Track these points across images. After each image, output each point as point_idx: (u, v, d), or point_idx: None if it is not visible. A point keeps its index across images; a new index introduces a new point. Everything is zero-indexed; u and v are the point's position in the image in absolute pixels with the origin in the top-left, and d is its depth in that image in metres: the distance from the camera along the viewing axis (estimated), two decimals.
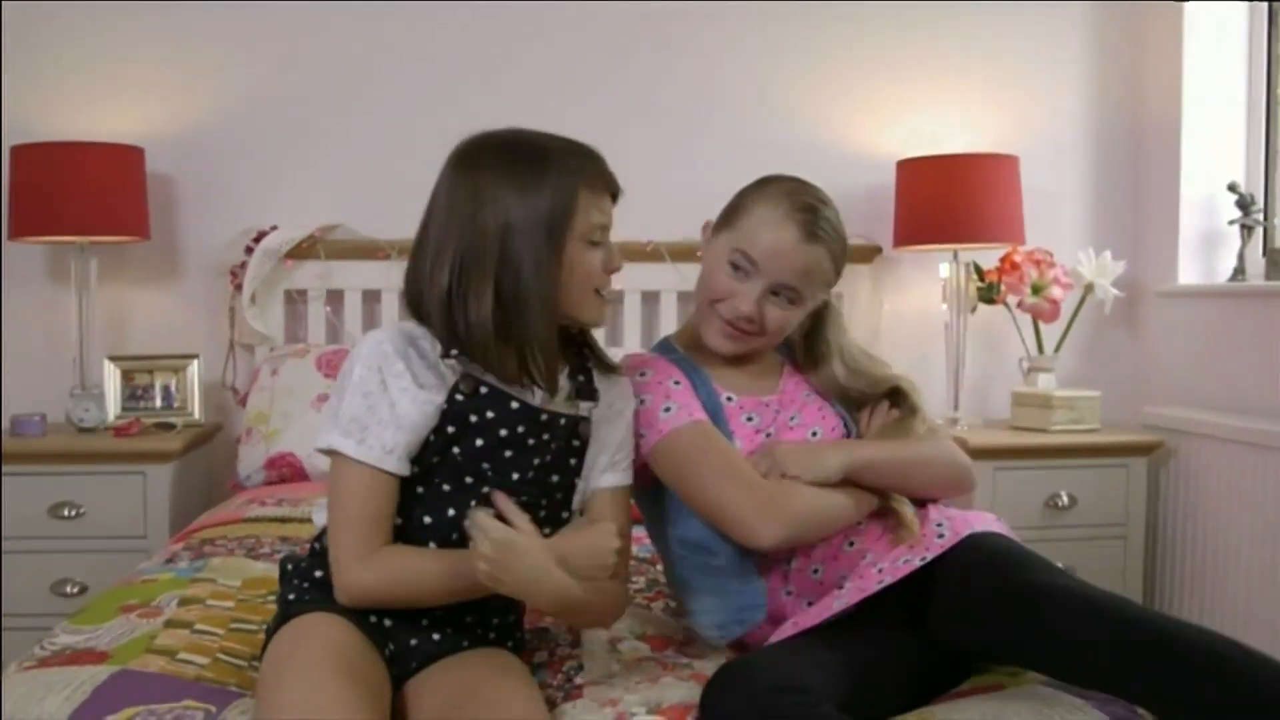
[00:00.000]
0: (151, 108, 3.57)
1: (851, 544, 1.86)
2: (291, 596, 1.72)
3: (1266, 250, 3.51)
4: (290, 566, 1.78)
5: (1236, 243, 3.56)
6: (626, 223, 3.47)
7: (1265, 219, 3.55)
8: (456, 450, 1.68)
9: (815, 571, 1.87)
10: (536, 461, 1.72)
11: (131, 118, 3.54)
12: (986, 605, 1.68)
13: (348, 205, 3.61)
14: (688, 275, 3.62)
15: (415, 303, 1.70)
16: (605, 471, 1.83)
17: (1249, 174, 3.62)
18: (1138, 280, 3.81)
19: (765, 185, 1.96)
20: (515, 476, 1.71)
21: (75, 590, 3.12)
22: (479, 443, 1.68)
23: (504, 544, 1.52)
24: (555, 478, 1.76)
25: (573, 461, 1.78)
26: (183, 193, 3.61)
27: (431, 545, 1.68)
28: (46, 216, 3.25)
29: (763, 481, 1.81)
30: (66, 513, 3.12)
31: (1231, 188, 3.53)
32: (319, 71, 3.62)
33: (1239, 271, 3.54)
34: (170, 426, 3.37)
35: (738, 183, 3.64)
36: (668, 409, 1.88)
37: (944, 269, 3.61)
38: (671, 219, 3.60)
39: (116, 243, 3.45)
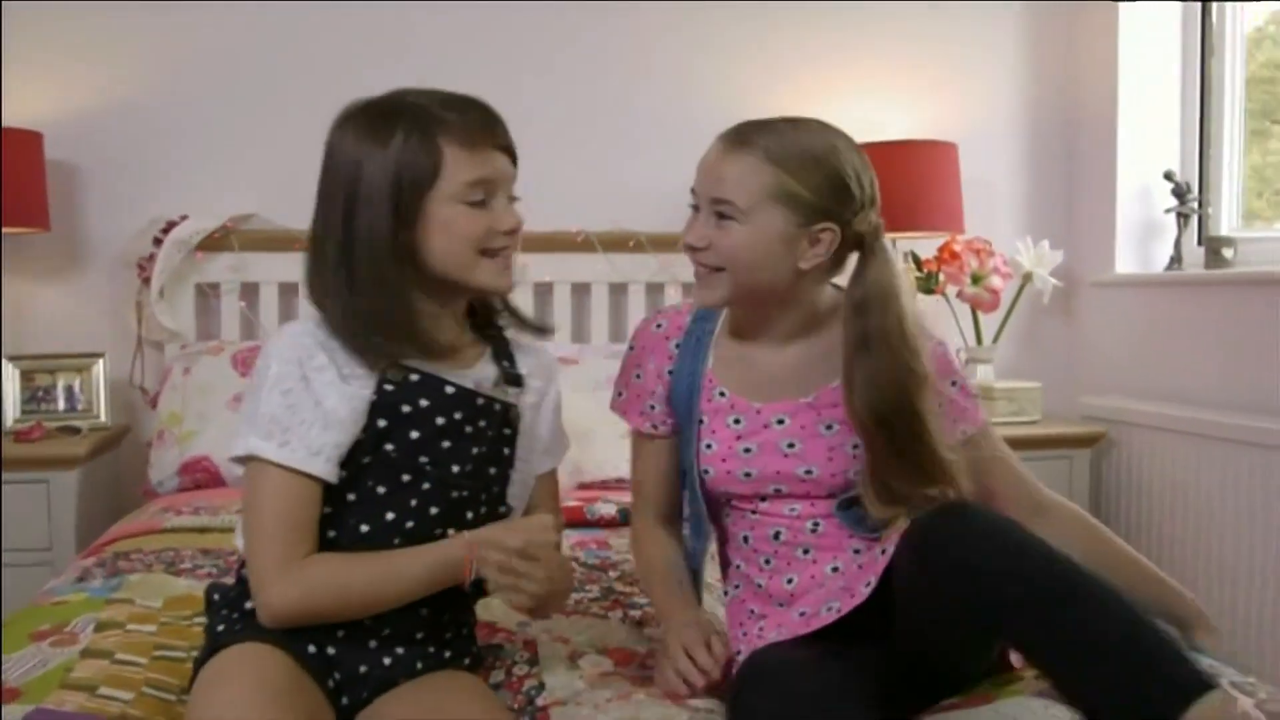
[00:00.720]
0: (51, 90, 3.35)
1: (857, 551, 1.76)
2: (220, 628, 1.57)
3: (1203, 239, 3.48)
4: (217, 596, 1.62)
5: (1173, 231, 3.53)
6: (556, 212, 3.49)
7: (1200, 207, 3.53)
8: (390, 447, 1.56)
9: (789, 581, 1.76)
10: (475, 451, 1.62)
11: (29, 100, 3.31)
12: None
13: (262, 194, 3.42)
14: (619, 265, 3.53)
15: (310, 290, 1.59)
16: (541, 456, 1.77)
17: (1184, 162, 3.59)
18: (1074, 270, 3.78)
19: None
20: (455, 469, 1.60)
21: None
22: (414, 435, 1.57)
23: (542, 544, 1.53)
24: (492, 469, 1.66)
25: (505, 451, 1.68)
26: (86, 181, 3.39)
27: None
28: None
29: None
30: None
31: (1167, 176, 3.50)
32: (233, 53, 3.43)
33: (1175, 260, 3.51)
34: (75, 430, 3.17)
35: (671, 171, 3.58)
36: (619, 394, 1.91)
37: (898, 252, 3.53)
38: (603, 208, 3.54)
39: (14, 234, 3.22)
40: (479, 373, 1.65)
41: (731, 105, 3.62)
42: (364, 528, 1.55)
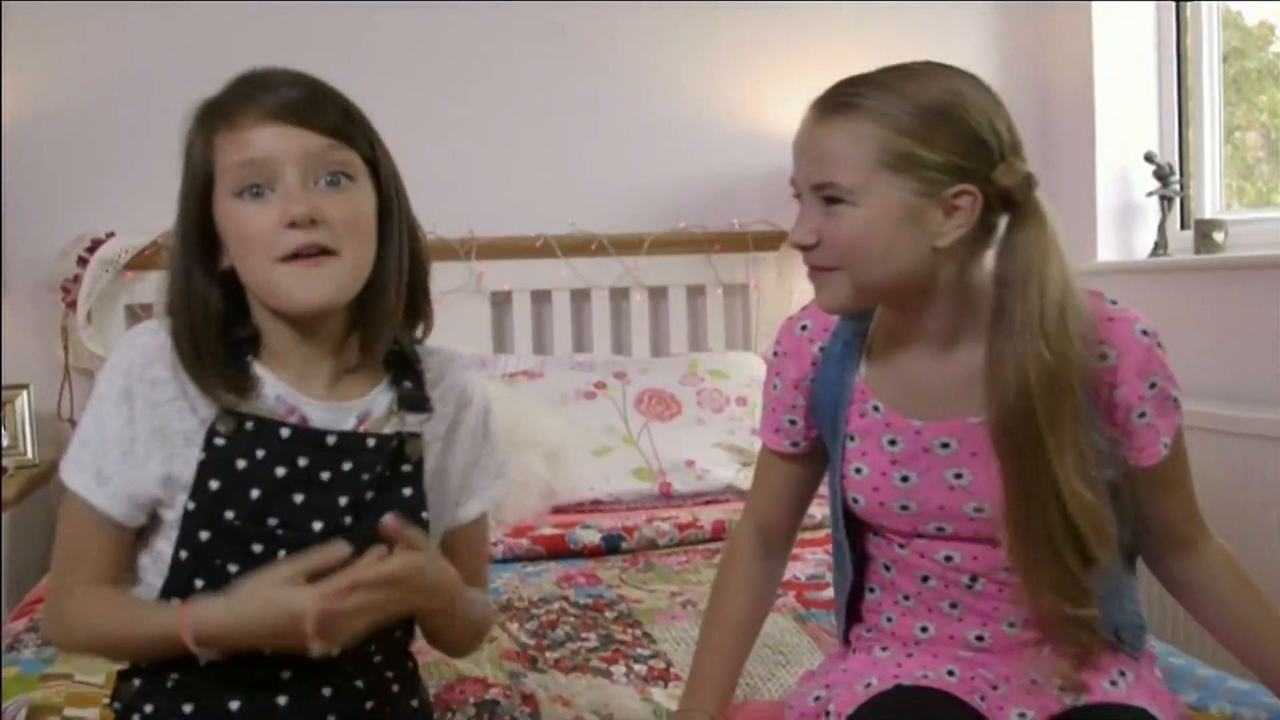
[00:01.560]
0: None
1: (1012, 625, 1.47)
2: None
3: (1191, 222, 3.35)
4: (118, 705, 1.37)
5: (1156, 216, 3.39)
6: (513, 217, 3.29)
7: (1183, 190, 3.40)
8: (230, 514, 1.28)
9: (954, 606, 1.48)
10: (344, 500, 1.31)
11: None
12: None
13: None
14: (580, 271, 3.34)
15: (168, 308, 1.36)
16: (462, 503, 1.45)
17: (1163, 143, 3.46)
18: None
19: None
20: (318, 526, 1.30)
21: None
22: (255, 494, 1.28)
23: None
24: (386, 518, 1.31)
25: (406, 491, 1.35)
26: (3, 197, 3.14)
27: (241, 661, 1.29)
28: None
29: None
30: None
31: (1148, 158, 3.36)
32: (158, 57, 3.19)
33: (1160, 246, 3.37)
34: (0, 470, 2.92)
35: (631, 171, 3.44)
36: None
37: None
38: (561, 211, 3.35)
39: None
40: (370, 401, 1.36)
41: (691, 101, 3.47)
42: None
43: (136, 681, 1.33)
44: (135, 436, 1.28)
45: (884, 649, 1.50)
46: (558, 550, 2.46)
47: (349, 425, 1.34)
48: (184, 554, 1.28)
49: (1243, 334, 2.92)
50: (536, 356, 3.31)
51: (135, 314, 3.14)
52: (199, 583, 1.28)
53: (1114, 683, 1.42)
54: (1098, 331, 1.38)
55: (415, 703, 1.45)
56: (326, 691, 1.33)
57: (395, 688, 1.41)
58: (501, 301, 3.37)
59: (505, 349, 3.36)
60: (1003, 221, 1.38)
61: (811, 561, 2.27)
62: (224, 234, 1.29)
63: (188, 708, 1.30)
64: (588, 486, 2.86)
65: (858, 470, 1.48)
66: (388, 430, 1.35)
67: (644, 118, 3.43)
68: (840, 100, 1.36)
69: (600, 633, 1.97)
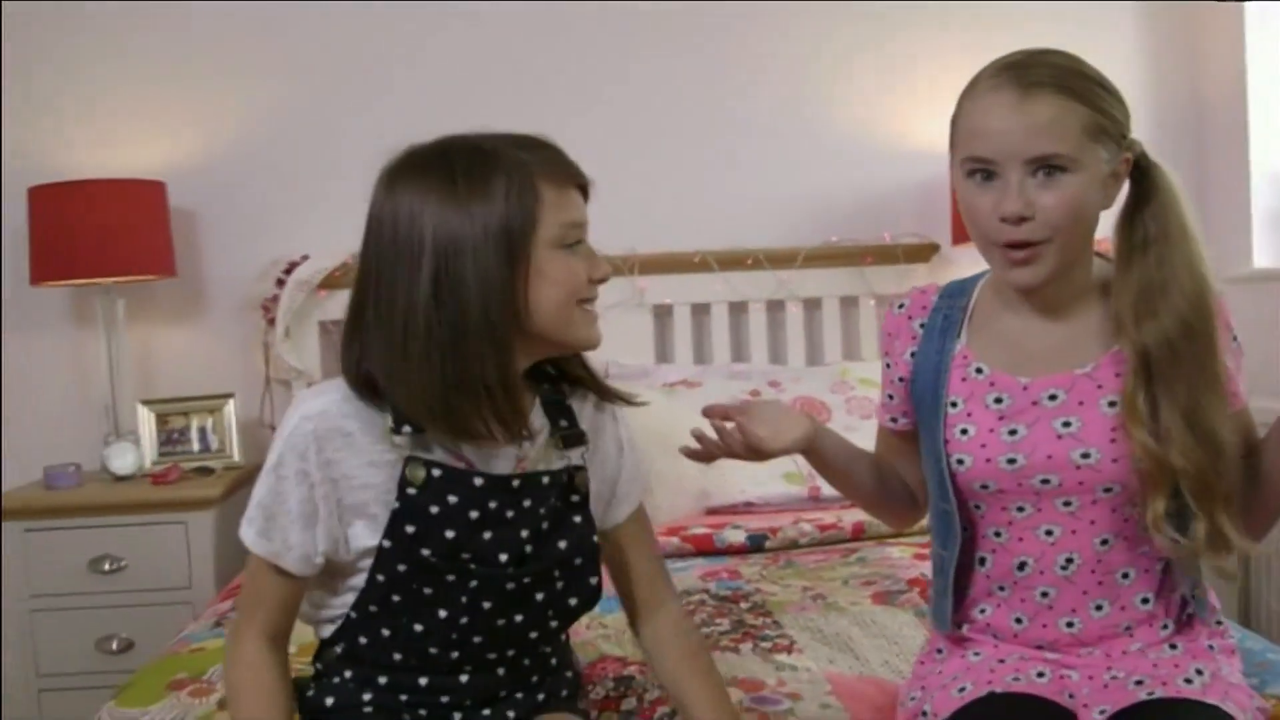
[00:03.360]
0: (170, 139, 3.44)
1: (1099, 608, 1.56)
2: None
3: None
4: (307, 693, 1.56)
5: None
6: (671, 234, 3.46)
7: None
8: (426, 551, 1.43)
9: (1044, 595, 1.56)
10: (525, 534, 1.48)
11: (150, 150, 3.41)
12: None
13: None
14: (736, 285, 3.49)
15: (351, 366, 1.41)
16: (613, 506, 1.61)
17: None
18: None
19: (973, 80, 1.54)
20: (504, 558, 1.46)
21: (119, 648, 2.99)
22: (449, 534, 1.43)
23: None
24: (562, 544, 1.51)
25: (577, 519, 1.53)
26: (207, 226, 3.48)
27: (432, 650, 1.48)
28: (68, 258, 3.12)
29: None
30: (107, 566, 2.99)
31: None
32: (341, 91, 3.48)
33: None
34: (209, 470, 3.23)
35: (785, 186, 3.58)
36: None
37: None
38: (717, 227, 3.51)
39: (142, 281, 3.31)
40: (521, 446, 1.49)
41: (841, 117, 3.58)
42: (417, 626, 1.47)
43: (338, 649, 1.52)
44: (315, 512, 1.42)
45: (977, 654, 1.60)
46: (705, 549, 2.61)
47: (509, 466, 1.49)
48: (381, 578, 1.44)
49: None
50: (696, 366, 3.45)
51: (327, 329, 3.40)
52: (396, 597, 1.45)
53: (1189, 680, 1.49)
54: None
55: (569, 674, 1.65)
56: (500, 671, 1.53)
57: (553, 661, 1.61)
58: (663, 314, 3.53)
59: (666, 359, 3.52)
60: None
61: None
62: (533, 278, 1.37)
63: (382, 679, 1.50)
64: (739, 490, 2.98)
65: (963, 431, 1.55)
66: (543, 465, 1.52)
67: (796, 134, 3.55)
68: (1035, 75, 1.44)
69: (733, 619, 2.13)
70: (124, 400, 3.29)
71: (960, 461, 1.55)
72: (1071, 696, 1.52)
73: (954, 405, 1.57)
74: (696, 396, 3.19)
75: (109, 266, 3.14)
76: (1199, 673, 1.51)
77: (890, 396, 1.68)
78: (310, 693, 1.54)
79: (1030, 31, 3.54)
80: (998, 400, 1.55)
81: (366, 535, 1.44)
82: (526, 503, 1.48)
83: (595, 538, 1.55)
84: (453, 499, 1.43)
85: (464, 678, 1.52)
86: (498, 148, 1.39)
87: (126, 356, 3.33)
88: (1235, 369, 1.53)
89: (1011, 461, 1.52)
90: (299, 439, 1.41)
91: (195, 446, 3.32)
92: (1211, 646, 1.57)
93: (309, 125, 3.48)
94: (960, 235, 3.39)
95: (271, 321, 3.36)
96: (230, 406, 3.35)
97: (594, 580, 1.55)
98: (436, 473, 1.43)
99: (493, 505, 1.45)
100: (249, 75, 3.46)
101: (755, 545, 2.63)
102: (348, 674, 1.52)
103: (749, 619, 2.12)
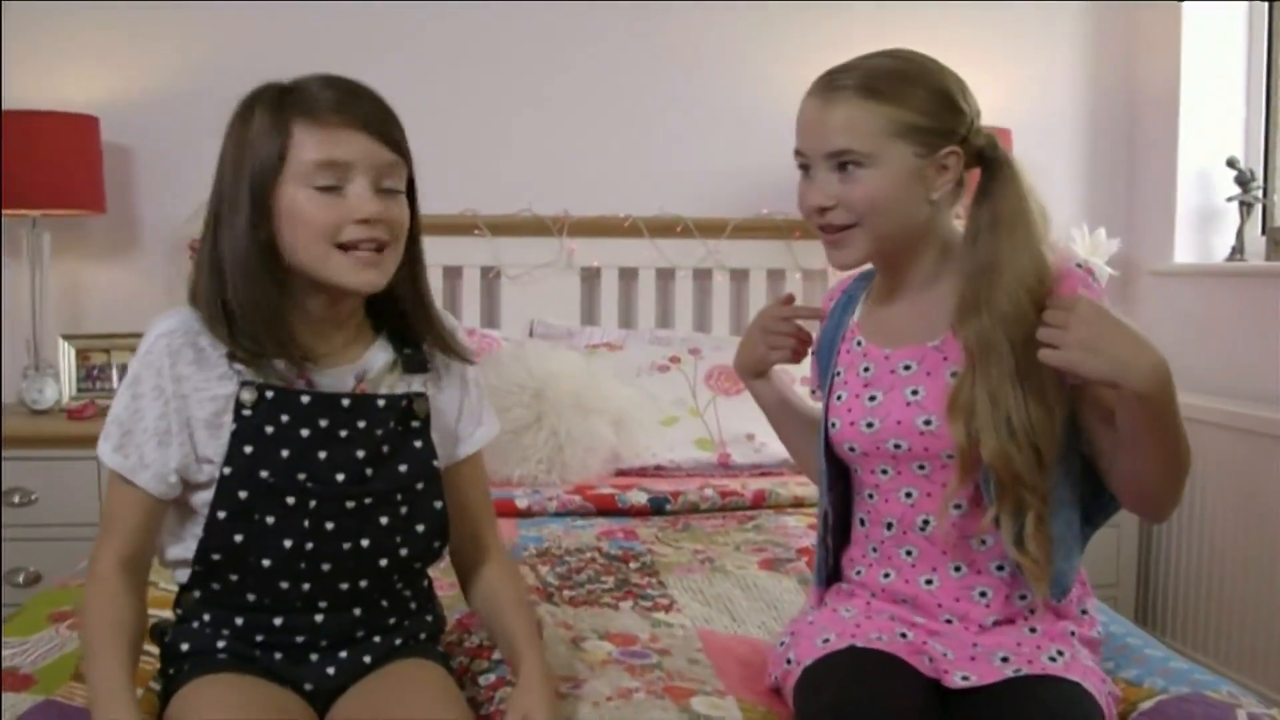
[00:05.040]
0: (107, 75, 3.41)
1: (958, 569, 1.63)
2: (172, 671, 1.55)
3: (1266, 229, 3.39)
4: (168, 638, 1.58)
5: (1235, 220, 3.43)
6: (603, 198, 3.48)
7: (1265, 196, 3.43)
8: (265, 473, 1.48)
9: (909, 554, 1.65)
10: (362, 454, 1.52)
11: (85, 85, 3.38)
12: None
13: None
14: (665, 252, 3.52)
15: (192, 290, 1.52)
16: (457, 443, 1.67)
17: (1248, 149, 3.49)
18: (1131, 258, 3.69)
19: None
20: (341, 478, 1.51)
21: (26, 581, 3.00)
22: (284, 454, 1.49)
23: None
24: (402, 467, 1.56)
25: (417, 444, 1.57)
26: (141, 164, 3.46)
27: (283, 585, 1.50)
28: None
29: None
30: (17, 499, 2.99)
31: (1230, 163, 3.40)
32: (286, 33, 3.45)
33: (1237, 250, 3.41)
34: None
35: (718, 158, 3.60)
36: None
37: None
38: (649, 194, 3.54)
39: (71, 216, 3.30)
40: (366, 363, 1.57)
41: (776, 92, 3.57)
42: (265, 562, 1.49)
43: (196, 594, 1.55)
44: (169, 429, 1.47)
45: (848, 609, 1.67)
46: (607, 508, 2.65)
47: (349, 384, 1.54)
48: (222, 513, 1.48)
49: None
50: (621, 330, 3.49)
51: None
52: (238, 537, 1.48)
53: (1053, 658, 1.56)
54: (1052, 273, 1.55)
55: (430, 618, 1.68)
56: (357, 611, 1.56)
57: (413, 605, 1.64)
58: (590, 277, 3.55)
59: (593, 322, 3.54)
60: (970, 178, 1.63)
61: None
62: (281, 214, 1.45)
63: (239, 620, 1.53)
64: (651, 453, 3.02)
65: (838, 398, 1.70)
66: (385, 389, 1.57)
67: (731, 107, 3.58)
68: (842, 81, 1.59)
69: (618, 578, 2.16)
70: (46, 335, 3.28)
71: (833, 425, 1.69)
72: (931, 661, 1.58)
73: (838, 374, 1.72)
74: (617, 359, 3.24)
75: (35, 199, 3.13)
76: (1060, 653, 1.57)
77: (810, 371, 1.84)
78: (168, 638, 1.56)
79: (969, 25, 3.63)
80: (865, 369, 1.69)
81: (213, 447, 1.48)
82: (361, 424, 1.53)
83: (437, 463, 1.59)
84: (285, 418, 1.49)
85: (319, 617, 1.54)
86: (278, 84, 1.51)
87: (51, 291, 3.32)
88: None
89: (870, 425, 1.65)
90: (155, 356, 1.48)
91: (115, 384, 3.31)
92: (1073, 633, 1.62)
93: (249, 66, 3.32)
94: None
95: None
96: None
97: (438, 504, 1.59)
98: (269, 394, 1.48)
99: (324, 424, 1.51)
100: (191, 11, 3.43)
101: (656, 508, 2.67)
102: (206, 617, 1.54)
103: (635, 578, 2.16)
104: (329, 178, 1.45)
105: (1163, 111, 3.60)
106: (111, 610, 1.44)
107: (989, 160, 1.60)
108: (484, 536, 1.71)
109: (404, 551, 1.57)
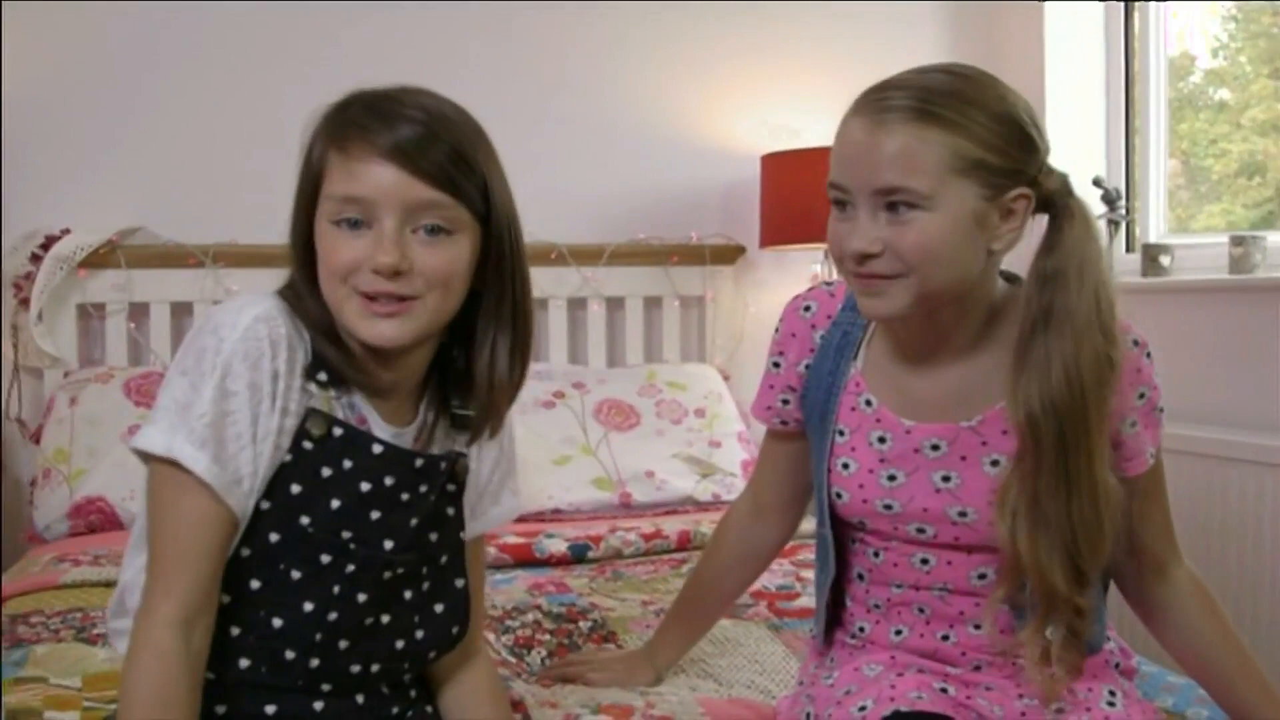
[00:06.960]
0: None
1: (978, 628, 1.49)
2: None
3: (1137, 246, 3.43)
4: None
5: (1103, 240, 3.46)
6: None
7: (1128, 214, 3.47)
8: (306, 520, 1.25)
9: (921, 611, 1.51)
10: (414, 522, 1.32)
11: None
12: None
13: (151, 206, 3.13)
14: (538, 281, 3.17)
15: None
16: (473, 519, 1.43)
17: (1110, 168, 3.53)
18: None
19: None
20: (389, 545, 1.29)
21: None
22: (335, 504, 1.26)
23: None
24: (434, 535, 1.35)
25: (450, 511, 1.37)
26: None
27: (289, 655, 1.26)
28: None
29: None
30: None
31: (1096, 182, 3.42)
32: (116, 53, 3.13)
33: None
34: None
35: (591, 182, 3.44)
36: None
37: (817, 269, 3.40)
38: (522, 221, 3.31)
39: None
40: (420, 421, 1.35)
41: (651, 114, 3.48)
42: (276, 622, 1.25)
43: None
44: (256, 435, 1.21)
45: (872, 667, 1.50)
46: (524, 559, 2.44)
47: (407, 444, 1.32)
48: (246, 551, 1.24)
49: (1188, 357, 2.99)
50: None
51: (88, 312, 3.09)
52: (254, 583, 1.24)
53: (1110, 703, 1.44)
54: None
55: (429, 708, 1.45)
56: (360, 699, 1.33)
57: (413, 693, 1.42)
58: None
59: (540, 356, 3.29)
60: (1039, 223, 1.40)
61: (779, 572, 2.28)
62: (317, 247, 1.26)
63: (220, 709, 1.26)
64: (547, 495, 2.85)
65: (845, 465, 1.49)
66: (435, 447, 1.35)
67: (604, 130, 3.43)
68: (899, 103, 1.32)
69: (574, 642, 1.96)
70: None
71: (839, 495, 1.51)
72: (979, 716, 1.44)
73: (840, 434, 1.51)
74: None
75: None
76: (1113, 694, 1.46)
77: (784, 401, 1.58)
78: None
79: (835, 30, 3.57)
80: (881, 440, 1.48)
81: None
82: (423, 487, 1.32)
83: (464, 534, 1.39)
84: (348, 463, 1.27)
85: (318, 704, 1.30)
86: (343, 103, 1.29)
87: None
88: (1144, 427, 1.46)
89: (888, 507, 1.47)
90: (253, 343, 1.21)
91: None
92: (1117, 665, 1.53)
93: (76, 89, 3.11)
94: (768, 238, 3.33)
95: (24, 302, 2.98)
96: None
97: (459, 583, 1.38)
98: (338, 431, 1.26)
99: (389, 481, 1.28)
100: (14, 31, 3.06)
101: (578, 556, 2.48)
102: None
103: (593, 650, 1.94)
104: (351, 213, 1.23)
105: None
106: (167, 700, 1.15)
107: (1060, 207, 1.38)
108: (475, 635, 1.47)
109: (419, 634, 1.35)
